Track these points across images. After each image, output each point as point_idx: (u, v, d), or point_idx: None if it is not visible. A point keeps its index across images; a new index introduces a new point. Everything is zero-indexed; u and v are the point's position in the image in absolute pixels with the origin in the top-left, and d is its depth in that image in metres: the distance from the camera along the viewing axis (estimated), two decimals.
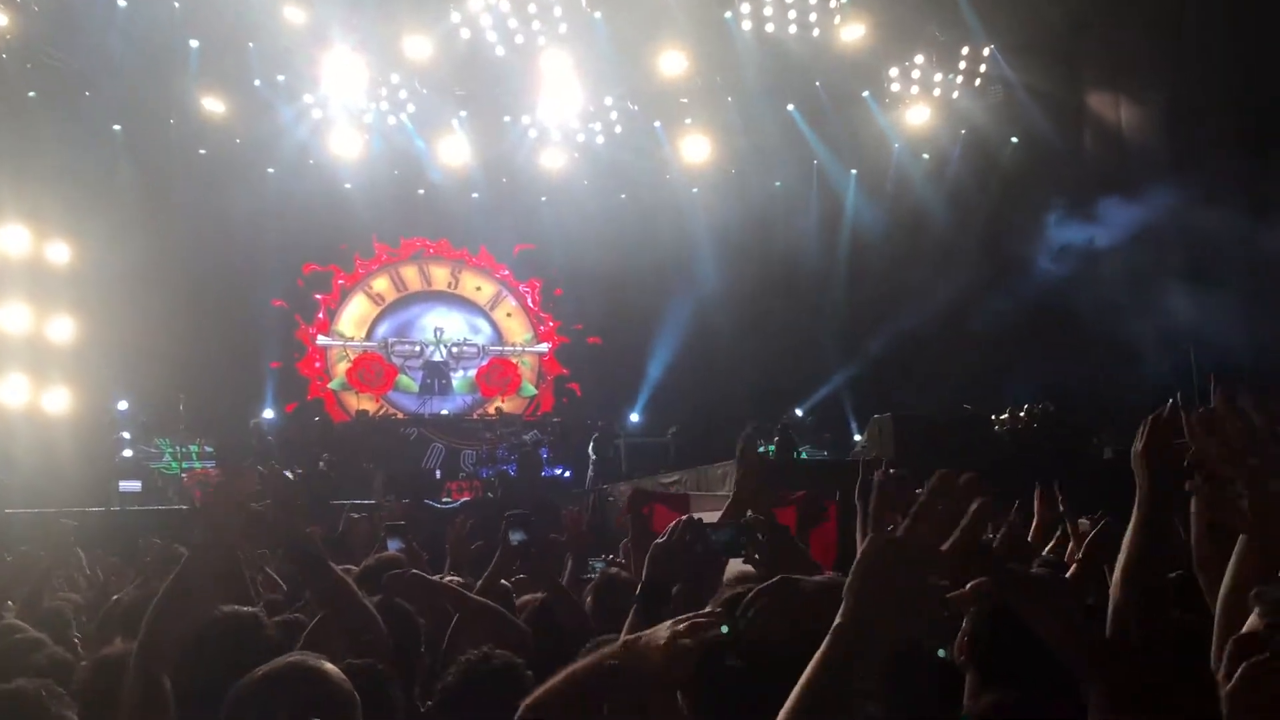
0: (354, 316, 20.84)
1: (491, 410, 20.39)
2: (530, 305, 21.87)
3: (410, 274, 21.40)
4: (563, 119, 19.32)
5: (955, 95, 18.82)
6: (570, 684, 1.77)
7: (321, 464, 15.38)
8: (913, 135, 19.44)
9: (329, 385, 20.30)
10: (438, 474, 16.97)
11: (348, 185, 19.33)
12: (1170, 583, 2.08)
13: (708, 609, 1.72)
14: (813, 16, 17.72)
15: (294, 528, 2.60)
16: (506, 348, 21.55)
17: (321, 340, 20.45)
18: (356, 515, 6.21)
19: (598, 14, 17.45)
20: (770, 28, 17.73)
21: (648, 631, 1.73)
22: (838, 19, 17.71)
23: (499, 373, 21.31)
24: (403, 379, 20.76)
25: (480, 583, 3.97)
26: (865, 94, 19.26)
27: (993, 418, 12.19)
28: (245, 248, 17.96)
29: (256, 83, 17.61)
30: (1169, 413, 2.05)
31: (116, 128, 17.59)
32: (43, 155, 15.97)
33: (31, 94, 16.44)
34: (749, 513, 2.90)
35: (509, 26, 17.53)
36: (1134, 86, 16.33)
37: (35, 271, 16.13)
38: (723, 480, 10.26)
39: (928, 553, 1.30)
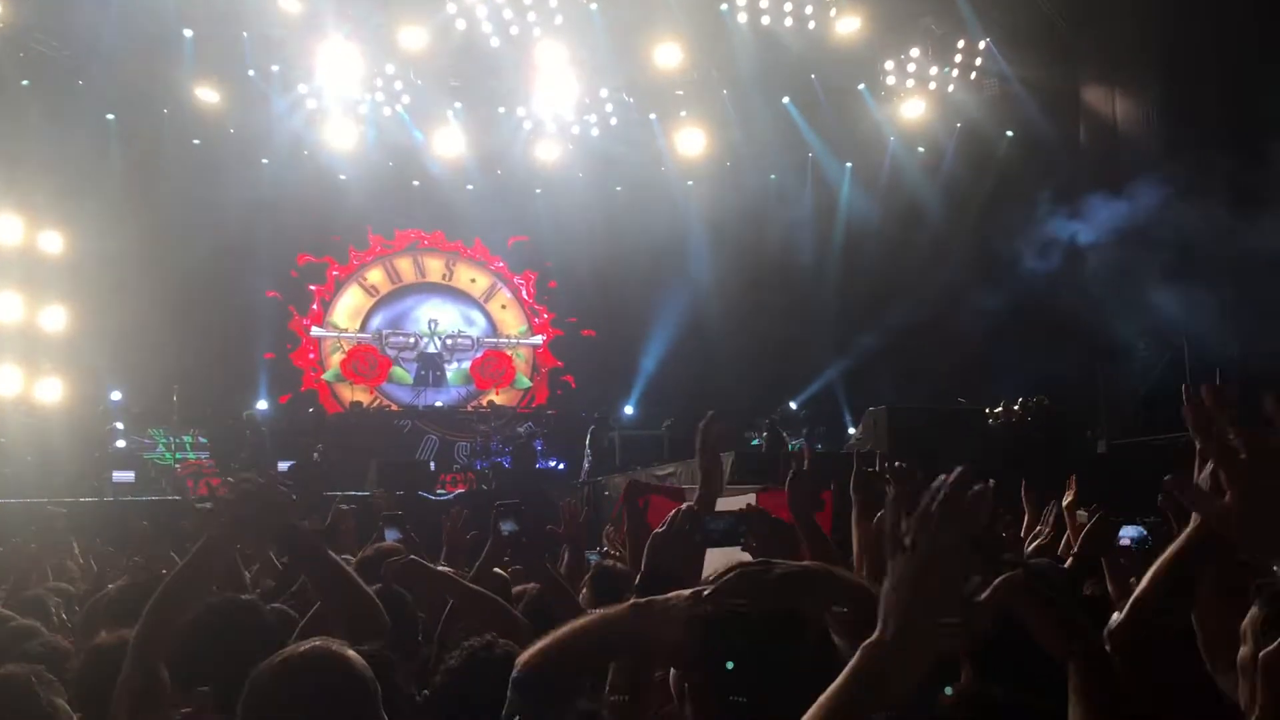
0: (348, 308, 20.81)
1: (485, 403, 20.40)
2: (525, 297, 21.85)
3: (405, 265, 21.37)
4: (558, 111, 19.29)
5: (950, 89, 18.82)
6: (573, 639, 1.76)
7: (315, 455, 15.38)
8: (908, 128, 19.43)
9: (323, 377, 20.28)
10: (432, 466, 16.96)
11: (342, 176, 19.27)
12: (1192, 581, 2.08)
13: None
14: (808, 9, 17.70)
15: (281, 521, 2.59)
16: (501, 340, 21.53)
17: (315, 331, 20.42)
18: (345, 507, 6.20)
19: (593, 6, 17.41)
20: (765, 20, 17.71)
21: (661, 598, 1.73)
22: (833, 12, 17.69)
23: (493, 365, 21.30)
24: (397, 371, 20.74)
25: (472, 572, 3.97)
26: (860, 87, 19.25)
27: (987, 411, 12.23)
28: (239, 238, 17.89)
29: (251, 73, 17.54)
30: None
31: (110, 117, 17.51)
32: (36, 144, 15.90)
33: (25, 83, 16.36)
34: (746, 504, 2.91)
35: (504, 18, 17.48)
36: (1129, 80, 16.34)
37: (28, 261, 16.07)
38: None
39: (966, 561, 1.24)
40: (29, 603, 4.46)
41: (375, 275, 21.12)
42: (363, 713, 1.96)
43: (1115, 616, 2.02)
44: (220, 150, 18.21)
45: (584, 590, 4.08)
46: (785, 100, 19.41)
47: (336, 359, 20.43)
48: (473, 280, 21.66)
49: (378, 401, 20.21)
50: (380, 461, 14.74)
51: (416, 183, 20.33)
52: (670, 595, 1.71)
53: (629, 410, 20.05)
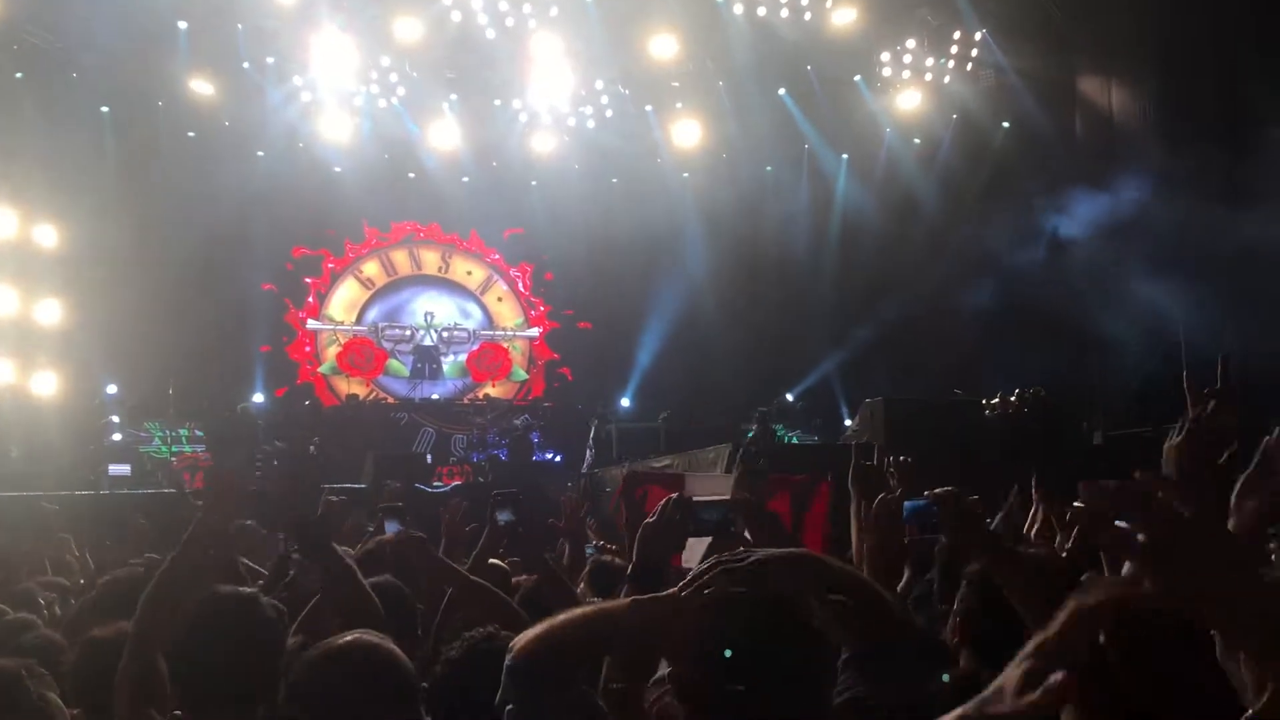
0: (344, 301, 20.78)
1: (481, 395, 20.40)
2: (521, 290, 21.83)
3: (400, 258, 21.34)
4: (553, 103, 19.24)
5: (946, 80, 18.80)
6: (571, 630, 1.76)
7: (311, 448, 15.37)
8: (904, 120, 19.41)
9: (319, 369, 20.26)
10: (428, 458, 16.95)
11: (337, 169, 19.23)
12: None
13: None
14: (804, 0, 17.68)
15: (300, 508, 2.60)
16: (497, 332, 21.52)
17: (311, 324, 20.39)
18: (335, 499, 6.20)
19: None
20: (762, 11, 17.66)
21: (658, 594, 1.73)
22: (829, 3, 17.64)
23: (490, 357, 21.29)
24: (393, 363, 20.72)
25: (468, 563, 3.97)
26: (857, 78, 19.21)
27: (983, 403, 12.24)
28: (234, 231, 17.84)
29: (245, 65, 17.48)
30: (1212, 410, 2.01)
31: (104, 110, 17.46)
32: (30, 137, 15.85)
33: (18, 75, 16.31)
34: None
35: (499, 9, 17.41)
36: (1126, 71, 16.34)
37: (22, 254, 16.03)
38: (714, 464, 10.29)
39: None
40: (18, 596, 4.46)
41: (371, 268, 21.08)
42: (405, 703, 1.97)
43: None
44: (215, 143, 18.15)
45: (581, 585, 4.09)
46: (781, 92, 19.38)
47: (332, 352, 20.40)
48: (469, 273, 21.63)
49: (374, 394, 20.20)
50: (377, 454, 14.71)
51: (412, 175, 20.28)
52: (666, 592, 1.72)
53: (625, 403, 20.05)
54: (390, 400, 20.04)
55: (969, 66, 18.58)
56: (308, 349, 20.31)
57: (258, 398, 18.43)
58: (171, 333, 16.91)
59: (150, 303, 16.74)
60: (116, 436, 15.25)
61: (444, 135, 19.32)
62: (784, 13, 17.71)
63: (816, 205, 20.52)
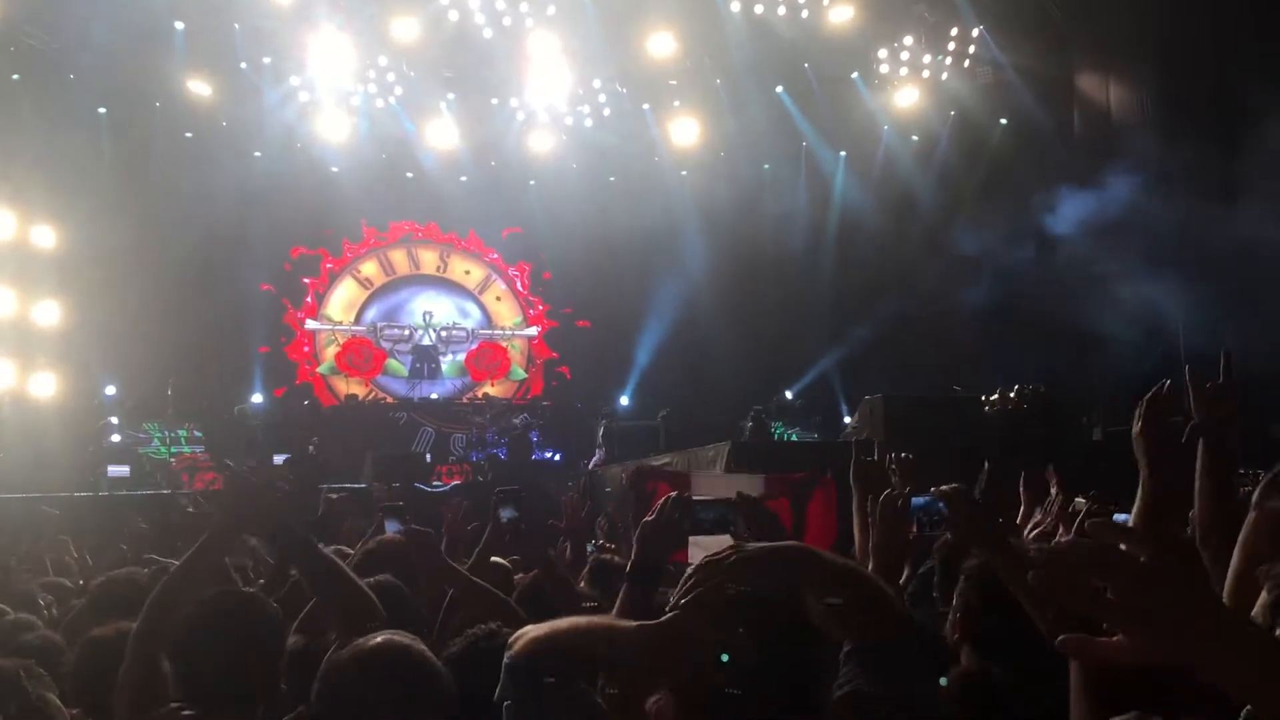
0: (342, 300, 20.77)
1: (480, 394, 20.39)
2: (519, 289, 21.82)
3: (399, 258, 21.33)
4: (551, 102, 19.24)
5: (944, 77, 18.80)
6: (576, 638, 1.76)
7: (310, 448, 15.37)
8: (901, 117, 19.41)
9: (317, 370, 20.25)
10: (428, 458, 16.94)
11: (335, 168, 19.22)
12: None
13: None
14: None
15: (276, 514, 2.59)
16: (496, 331, 21.51)
17: (310, 324, 20.38)
18: (334, 497, 6.20)
19: None
20: (759, 9, 17.65)
21: (662, 620, 1.73)
22: (826, 0, 17.66)
23: (488, 356, 21.28)
24: (392, 363, 20.72)
25: (471, 560, 3.97)
26: (854, 76, 19.20)
27: (983, 399, 12.23)
28: (232, 231, 17.84)
29: (243, 65, 17.47)
30: (1165, 391, 2.05)
31: (101, 110, 17.45)
32: (27, 139, 15.85)
33: (15, 76, 16.30)
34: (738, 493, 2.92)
35: (496, 8, 17.41)
36: (1124, 68, 16.33)
37: (21, 255, 16.02)
38: (713, 462, 10.27)
39: None
40: (18, 597, 4.46)
41: (369, 268, 21.08)
42: (437, 706, 1.97)
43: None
44: (212, 143, 18.13)
45: (582, 583, 4.08)
46: (779, 89, 19.38)
47: (331, 352, 20.40)
48: (467, 272, 21.62)
49: (373, 394, 20.19)
50: (376, 454, 14.72)
51: (410, 175, 20.27)
52: (666, 618, 1.71)
53: (624, 401, 20.05)
54: (389, 400, 20.04)
55: (966, 63, 18.57)
56: (306, 349, 20.31)
57: (256, 398, 18.44)
58: (170, 333, 16.91)
59: (149, 303, 16.73)
60: (115, 438, 15.25)
61: (442, 134, 19.31)
62: (781, 10, 17.70)
63: (814, 203, 20.52)
